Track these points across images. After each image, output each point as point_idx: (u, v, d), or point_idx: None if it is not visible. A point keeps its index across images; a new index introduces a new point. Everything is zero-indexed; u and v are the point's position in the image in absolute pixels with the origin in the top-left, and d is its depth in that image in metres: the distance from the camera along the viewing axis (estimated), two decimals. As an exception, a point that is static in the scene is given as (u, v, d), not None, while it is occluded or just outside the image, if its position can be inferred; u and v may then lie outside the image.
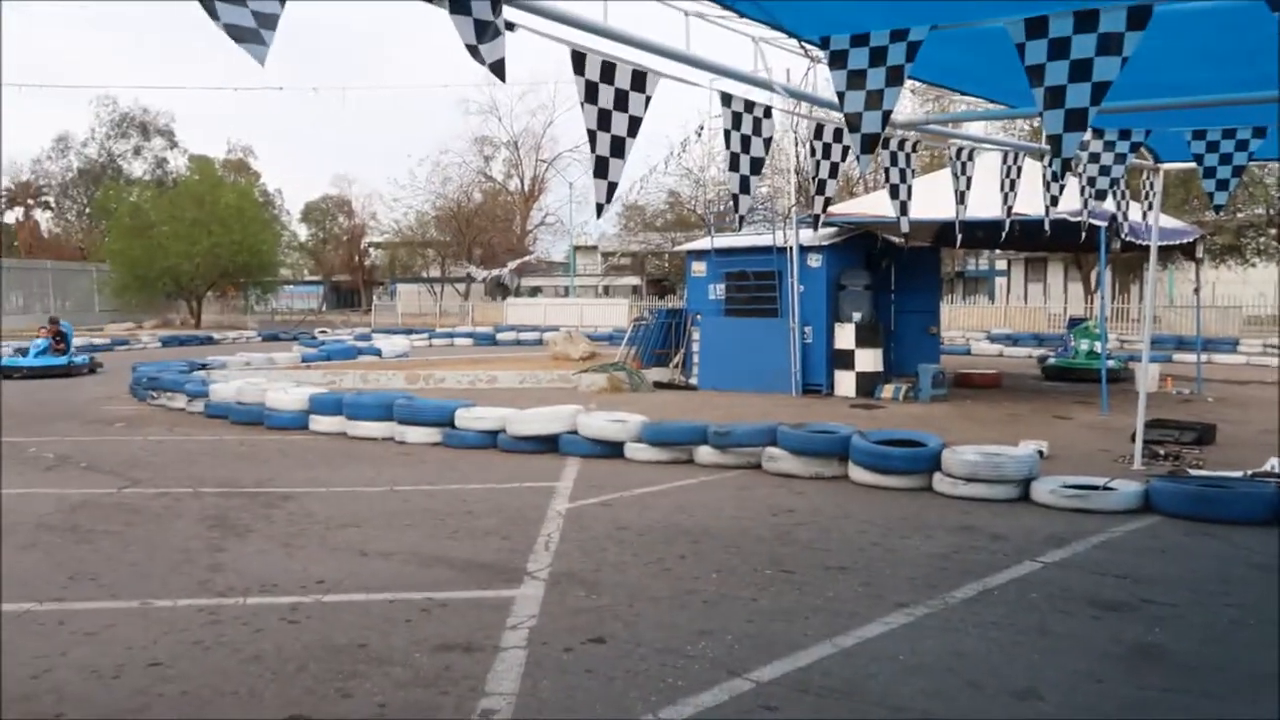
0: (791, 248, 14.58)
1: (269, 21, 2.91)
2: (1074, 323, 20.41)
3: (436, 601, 5.07)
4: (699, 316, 16.02)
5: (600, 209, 4.43)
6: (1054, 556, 5.94)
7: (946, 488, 7.61)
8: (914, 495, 7.65)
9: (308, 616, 4.85)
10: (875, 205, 14.55)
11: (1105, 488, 7.19)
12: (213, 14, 2.80)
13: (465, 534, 6.53)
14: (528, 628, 4.66)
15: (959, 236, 7.18)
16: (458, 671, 4.13)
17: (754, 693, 3.92)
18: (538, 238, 55.67)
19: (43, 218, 58.30)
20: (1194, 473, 8.06)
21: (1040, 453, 8.49)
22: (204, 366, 16.92)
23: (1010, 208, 6.86)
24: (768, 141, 5.31)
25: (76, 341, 21.54)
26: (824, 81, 8.41)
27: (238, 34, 2.87)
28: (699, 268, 16.32)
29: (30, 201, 57.37)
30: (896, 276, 16.23)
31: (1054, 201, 7.17)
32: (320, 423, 11.04)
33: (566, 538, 6.38)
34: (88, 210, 53.72)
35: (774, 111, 5.40)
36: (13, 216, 58.21)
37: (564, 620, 4.78)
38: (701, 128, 18.00)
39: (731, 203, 5.63)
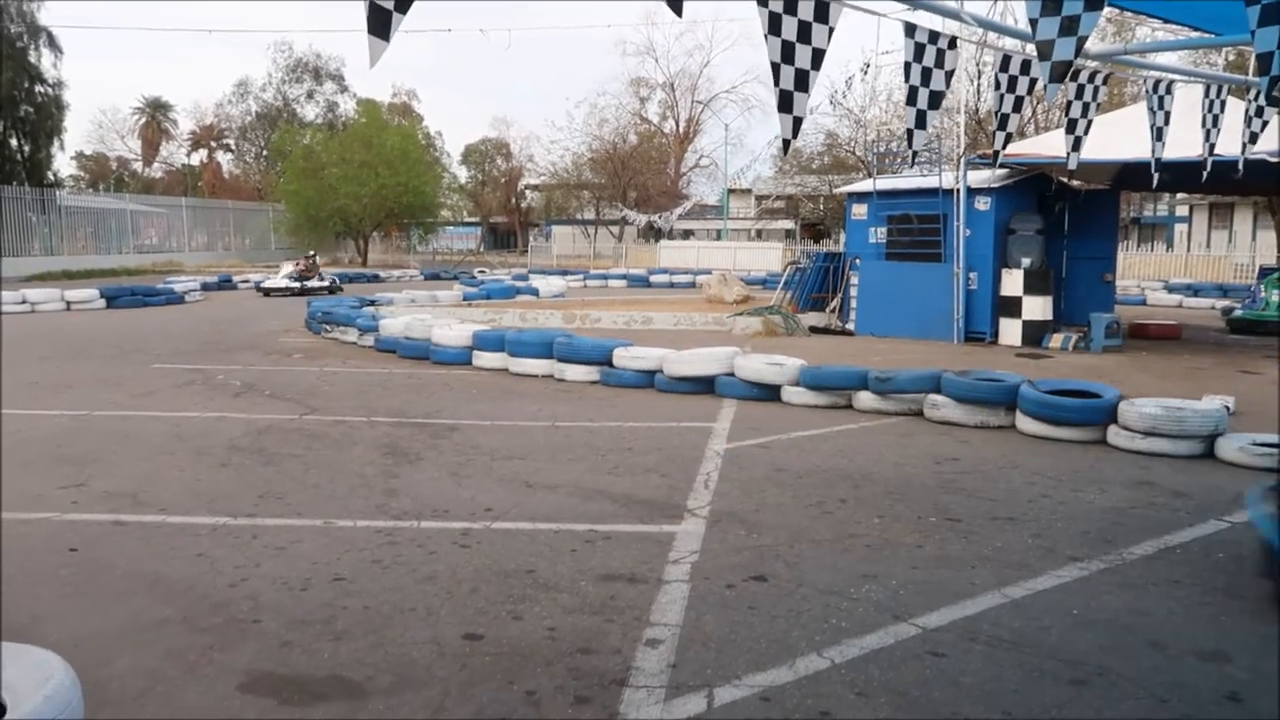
0: (959, 190, 14.04)
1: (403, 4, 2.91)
2: (1264, 272, 18.99)
3: (600, 533, 5.18)
4: (858, 260, 15.66)
5: (787, 144, 4.35)
6: (1242, 517, 5.60)
7: (1122, 441, 7.27)
8: (1086, 448, 7.34)
9: (478, 542, 5.04)
10: (1050, 145, 13.84)
11: (1301, 447, 6.73)
12: None
13: (625, 470, 6.63)
14: (690, 563, 4.71)
15: (1155, 177, 6.73)
16: (622, 601, 4.22)
17: (920, 638, 3.86)
18: (691, 180, 55.45)
19: (224, 159, 61.71)
20: (1403, 435, 7.44)
21: (1227, 408, 8.00)
22: (373, 303, 17.64)
23: (1212, 145, 6.39)
24: (949, 75, 5.09)
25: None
26: (1004, 16, 8.00)
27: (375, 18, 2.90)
28: (859, 210, 15.89)
29: (213, 144, 60.76)
30: (1070, 221, 15.48)
31: (1253, 139, 6.65)
32: (483, 358, 11.39)
33: (726, 477, 6.40)
34: (264, 152, 56.41)
35: (958, 43, 5.17)
36: (197, 158, 61.86)
37: (725, 557, 4.81)
38: (867, 65, 17.40)
39: (905, 139, 5.43)
